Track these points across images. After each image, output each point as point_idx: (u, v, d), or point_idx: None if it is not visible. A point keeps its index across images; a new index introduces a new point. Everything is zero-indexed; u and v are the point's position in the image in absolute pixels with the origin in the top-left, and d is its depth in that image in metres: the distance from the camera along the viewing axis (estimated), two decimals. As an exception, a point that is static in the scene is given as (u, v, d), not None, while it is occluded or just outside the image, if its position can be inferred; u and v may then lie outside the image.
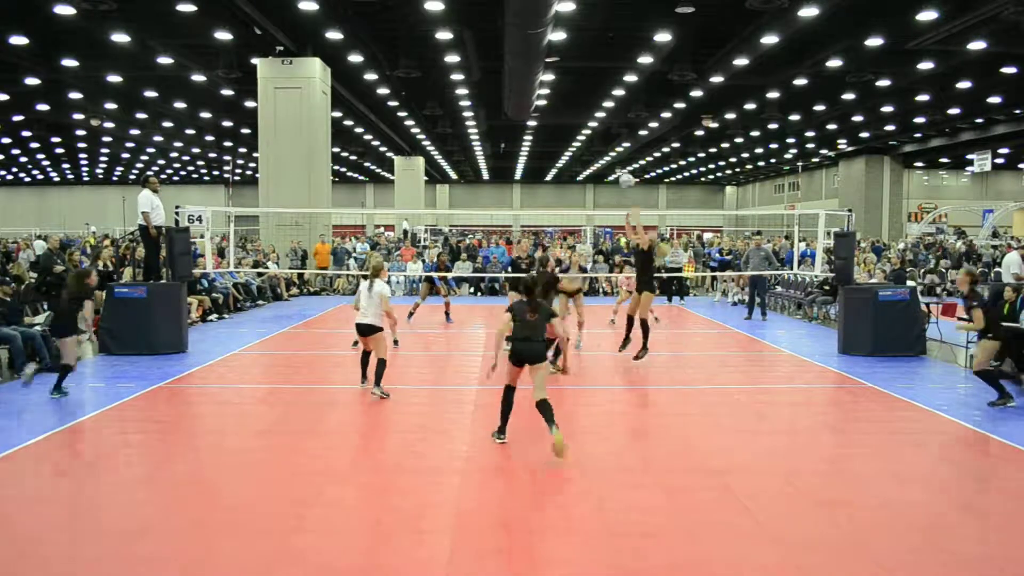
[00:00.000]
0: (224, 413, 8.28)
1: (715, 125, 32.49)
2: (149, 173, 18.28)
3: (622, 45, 20.43)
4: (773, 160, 49.69)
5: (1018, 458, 6.50)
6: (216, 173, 56.80)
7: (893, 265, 17.66)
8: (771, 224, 50.85)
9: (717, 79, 22.66)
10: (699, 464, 6.37)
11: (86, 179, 61.03)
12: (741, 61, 20.56)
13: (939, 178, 49.43)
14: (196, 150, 44.48)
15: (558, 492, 5.64)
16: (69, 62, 21.21)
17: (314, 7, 16.58)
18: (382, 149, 42.43)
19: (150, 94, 27.18)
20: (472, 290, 21.48)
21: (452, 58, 21.31)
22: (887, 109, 29.27)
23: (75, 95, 26.81)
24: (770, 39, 18.08)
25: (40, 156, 48.91)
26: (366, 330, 8.47)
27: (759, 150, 44.07)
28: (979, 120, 31.92)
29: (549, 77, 23.64)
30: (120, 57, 21.15)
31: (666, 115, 29.93)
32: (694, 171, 58.10)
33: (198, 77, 23.34)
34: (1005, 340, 8.45)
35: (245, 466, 6.33)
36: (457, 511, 5.21)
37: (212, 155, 46.26)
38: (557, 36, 18.19)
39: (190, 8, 16.32)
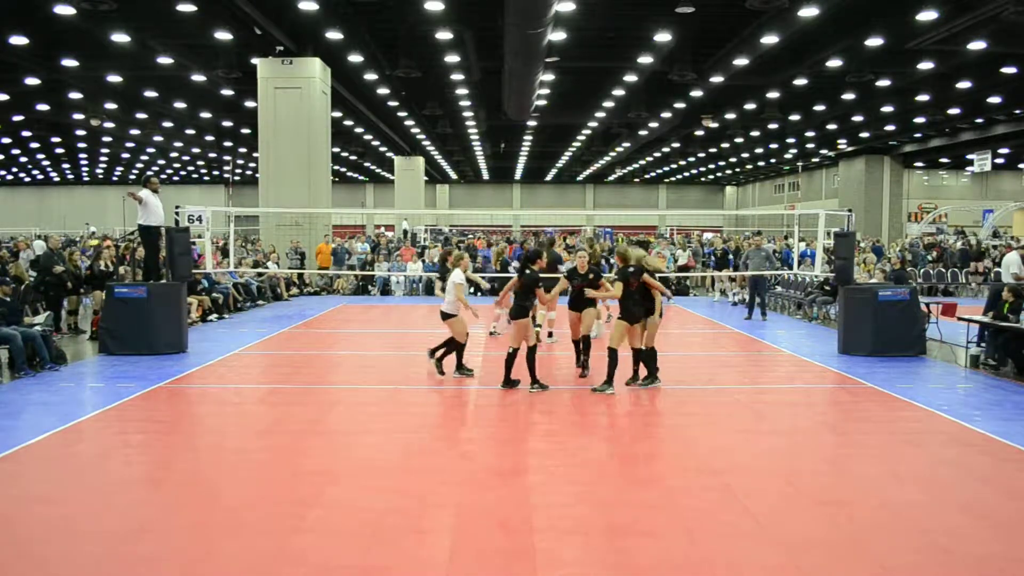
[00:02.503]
0: (224, 413, 8.27)
1: (715, 125, 32.51)
2: (149, 173, 18.31)
3: (622, 45, 20.44)
4: (773, 160, 49.70)
5: (1018, 458, 6.50)
6: (216, 173, 56.82)
7: (893, 265, 17.64)
8: (771, 224, 50.86)
9: (717, 79, 22.66)
10: (699, 464, 6.37)
11: (86, 179, 61.04)
12: (741, 61, 20.56)
13: (939, 178, 49.43)
14: (196, 150, 44.49)
15: (558, 492, 5.64)
16: (69, 62, 21.22)
17: (314, 7, 16.59)
18: (382, 149, 42.43)
19: (150, 94, 27.19)
20: (472, 290, 21.45)
21: (452, 58, 21.30)
22: (887, 109, 29.28)
23: (75, 95, 26.81)
24: (770, 39, 18.08)
25: (40, 156, 48.92)
26: (442, 316, 9.55)
27: (759, 150, 44.07)
28: (979, 120, 31.91)
29: (549, 77, 23.65)
30: (120, 57, 21.16)
31: (666, 115, 29.94)
32: (694, 171, 58.12)
33: (198, 77, 23.35)
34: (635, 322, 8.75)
35: (245, 466, 6.33)
36: (457, 511, 5.21)
37: (212, 155, 46.26)
38: (557, 36, 18.19)
39: (190, 8, 16.32)
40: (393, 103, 28.33)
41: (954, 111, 29.58)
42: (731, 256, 20.20)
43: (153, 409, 8.17)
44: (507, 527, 4.98)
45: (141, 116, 31.84)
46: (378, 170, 53.92)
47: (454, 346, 9.61)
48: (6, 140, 41.04)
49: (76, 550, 4.62)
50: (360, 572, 4.38)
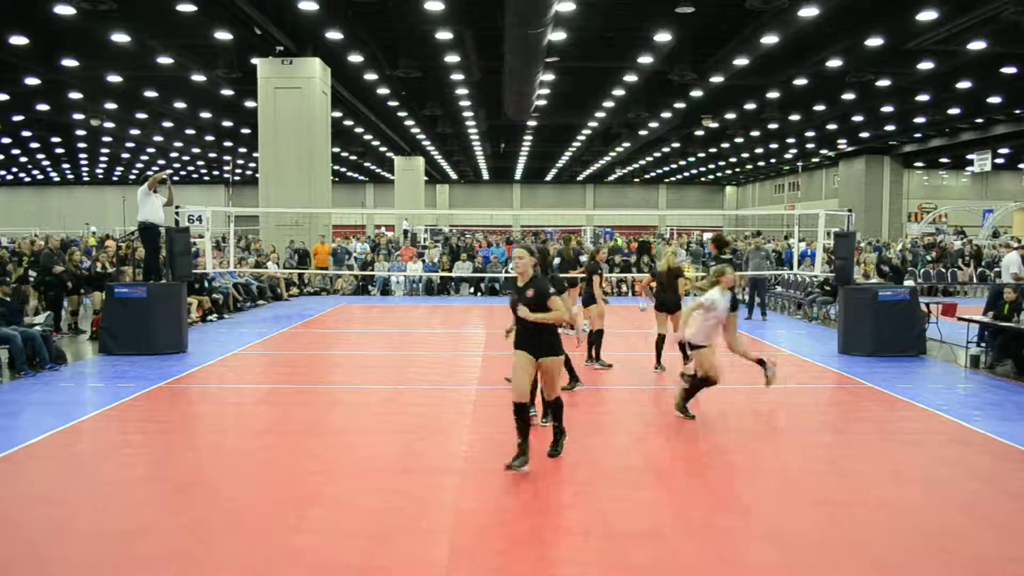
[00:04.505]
0: (224, 413, 8.28)
1: (715, 125, 32.51)
2: (149, 173, 18.33)
3: (622, 45, 20.44)
4: (773, 160, 49.70)
5: (1018, 458, 6.50)
6: (216, 173, 56.81)
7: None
8: (771, 224, 50.86)
9: (717, 79, 22.67)
10: (699, 464, 6.37)
11: (86, 179, 61.04)
12: (741, 61, 20.56)
13: (939, 178, 49.44)
14: (196, 150, 44.50)
15: (558, 492, 5.64)
16: (69, 62, 21.21)
17: (314, 7, 16.59)
18: (382, 149, 42.44)
19: (150, 94, 27.18)
20: (472, 290, 21.49)
21: (452, 58, 21.31)
22: (887, 109, 29.29)
23: (75, 95, 26.81)
24: (770, 39, 18.08)
25: (40, 156, 48.91)
26: (688, 347, 8.04)
27: (759, 150, 44.07)
28: (979, 120, 31.93)
29: (549, 77, 23.65)
30: (120, 57, 21.15)
31: (666, 115, 29.94)
32: (694, 171, 58.11)
33: (198, 77, 23.34)
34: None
35: (245, 466, 6.33)
36: (457, 511, 5.21)
37: (212, 155, 46.26)
38: (557, 36, 18.19)
39: (190, 8, 16.32)
40: (393, 103, 28.33)
41: (954, 111, 29.58)
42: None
43: (153, 409, 8.16)
44: (507, 527, 4.98)
45: (141, 116, 31.84)
46: (378, 170, 53.92)
47: (702, 385, 7.67)
48: (6, 140, 41.04)
49: (76, 550, 4.62)
50: (360, 572, 4.38)
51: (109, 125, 33.33)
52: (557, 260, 13.06)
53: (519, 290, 6.03)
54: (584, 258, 14.76)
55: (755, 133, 36.48)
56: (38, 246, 17.88)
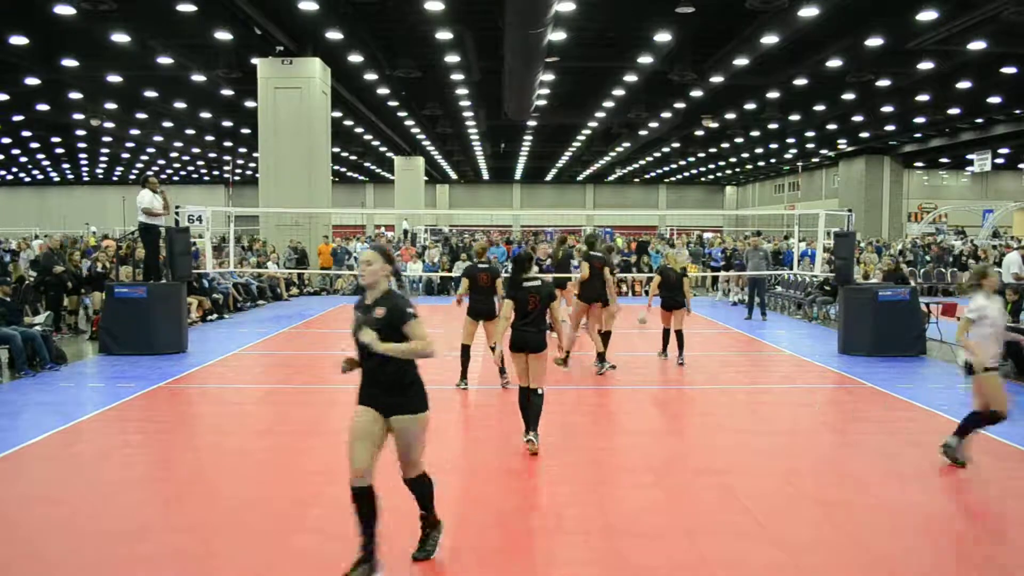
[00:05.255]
0: (224, 413, 8.27)
1: (715, 125, 32.49)
2: (149, 173, 18.31)
3: (622, 45, 20.45)
4: (773, 160, 49.68)
5: (1018, 458, 6.50)
6: (216, 173, 56.79)
7: (888, 267, 17.58)
8: (771, 224, 50.84)
9: (717, 79, 22.66)
10: (699, 464, 6.37)
11: (86, 179, 61.03)
12: (741, 61, 20.56)
13: (939, 178, 49.42)
14: (196, 150, 44.48)
15: (558, 492, 5.64)
16: (69, 62, 21.21)
17: (314, 7, 16.59)
18: (382, 149, 42.43)
19: (150, 94, 27.18)
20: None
21: (452, 58, 21.31)
22: (887, 109, 29.28)
23: (75, 95, 26.81)
24: (770, 39, 18.08)
25: (40, 156, 48.91)
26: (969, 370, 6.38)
27: (759, 150, 44.06)
28: (979, 120, 31.91)
29: (549, 77, 23.64)
30: (120, 57, 21.15)
31: (666, 115, 29.94)
32: (694, 171, 58.10)
33: (198, 77, 23.34)
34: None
35: (245, 466, 6.33)
36: (457, 511, 5.21)
37: (212, 155, 46.25)
38: (557, 36, 18.18)
39: (190, 8, 16.32)
40: (393, 103, 28.32)
41: (954, 111, 29.57)
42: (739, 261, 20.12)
43: (153, 409, 8.16)
44: (506, 527, 4.99)
45: (141, 116, 31.84)
46: (378, 170, 53.91)
47: (990, 420, 6.11)
48: (6, 140, 41.03)
49: (76, 550, 4.62)
50: (360, 572, 4.37)
51: (109, 125, 33.32)
52: (548, 262, 13.02)
53: (366, 308, 4.35)
54: (575, 262, 14.63)
55: (755, 133, 36.48)
56: (43, 247, 17.89)
